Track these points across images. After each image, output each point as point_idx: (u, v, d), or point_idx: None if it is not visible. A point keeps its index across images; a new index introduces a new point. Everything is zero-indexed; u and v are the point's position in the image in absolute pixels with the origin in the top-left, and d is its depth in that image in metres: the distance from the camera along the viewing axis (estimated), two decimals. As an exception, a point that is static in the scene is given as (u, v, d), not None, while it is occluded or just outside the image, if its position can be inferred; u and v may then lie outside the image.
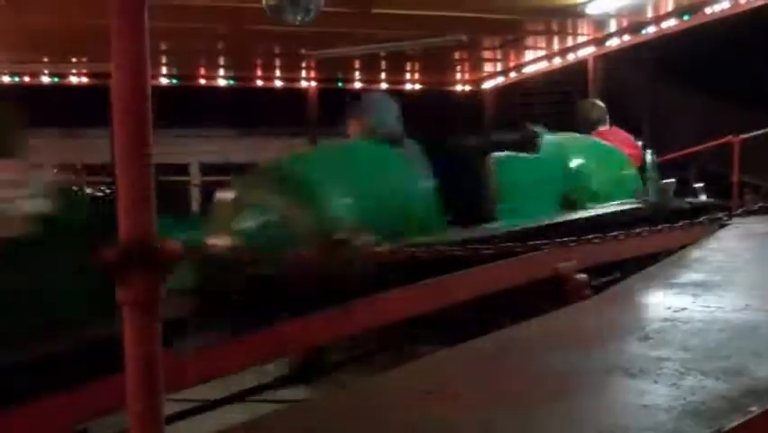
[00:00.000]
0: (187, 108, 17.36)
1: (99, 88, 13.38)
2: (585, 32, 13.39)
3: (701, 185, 9.63)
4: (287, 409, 3.65)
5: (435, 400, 2.66)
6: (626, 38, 12.99)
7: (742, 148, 10.45)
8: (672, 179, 8.86)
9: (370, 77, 16.93)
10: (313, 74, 16.58)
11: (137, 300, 1.71)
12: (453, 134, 8.49)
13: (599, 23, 12.78)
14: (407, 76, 17.29)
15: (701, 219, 6.14)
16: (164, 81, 15.62)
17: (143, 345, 1.73)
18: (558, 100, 17.33)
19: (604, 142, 8.69)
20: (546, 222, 6.68)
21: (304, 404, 3.75)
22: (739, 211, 6.76)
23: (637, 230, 5.76)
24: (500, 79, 16.94)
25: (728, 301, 3.79)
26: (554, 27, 13.27)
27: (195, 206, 17.92)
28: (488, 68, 16.76)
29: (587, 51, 13.78)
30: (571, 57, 14.32)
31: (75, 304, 3.93)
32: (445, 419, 2.47)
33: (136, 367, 1.74)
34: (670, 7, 11.73)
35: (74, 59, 14.55)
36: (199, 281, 4.74)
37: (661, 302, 3.95)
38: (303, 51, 13.83)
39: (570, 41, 13.99)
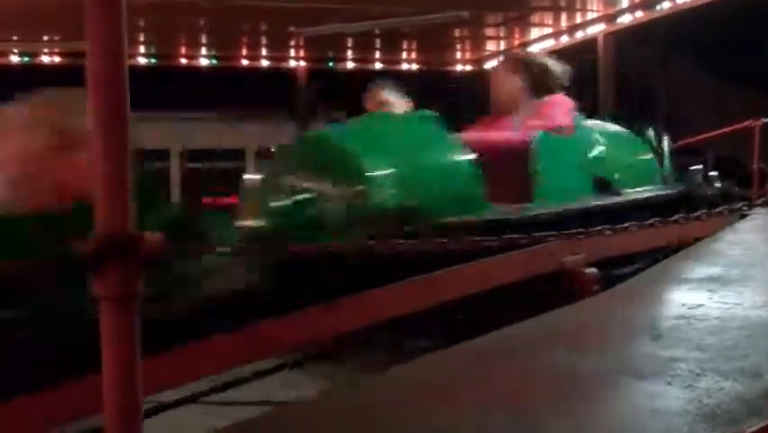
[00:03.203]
0: (166, 90, 17.33)
1: (73, 69, 13.36)
2: (595, 7, 13.39)
3: (715, 174, 9.57)
4: (278, 410, 3.67)
5: (431, 402, 2.67)
6: (639, 14, 12.99)
7: (763, 133, 10.43)
8: (699, 166, 8.80)
9: (364, 56, 16.92)
10: (302, 53, 16.57)
11: (114, 296, 1.71)
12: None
13: (611, -2, 12.80)
14: (404, 55, 17.29)
15: (719, 209, 6.14)
16: (142, 61, 15.60)
17: (121, 343, 1.73)
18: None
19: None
20: (588, 204, 6.97)
21: (295, 404, 3.76)
22: (760, 201, 6.75)
23: (650, 221, 5.77)
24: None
25: (747, 297, 3.80)
26: (562, 2, 13.28)
27: (176, 194, 17.90)
28: (490, 46, 16.76)
29: (597, 29, 13.78)
30: (579, 35, 14.32)
31: None
32: (441, 422, 2.48)
33: (113, 368, 1.74)
34: (686, -19, 11.76)
35: (46, 38, 14.52)
36: None
37: (674, 298, 3.96)
38: (291, 29, 13.82)
39: (578, 18, 13.99)
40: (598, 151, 8.21)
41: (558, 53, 12.80)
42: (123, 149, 1.72)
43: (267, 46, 16.23)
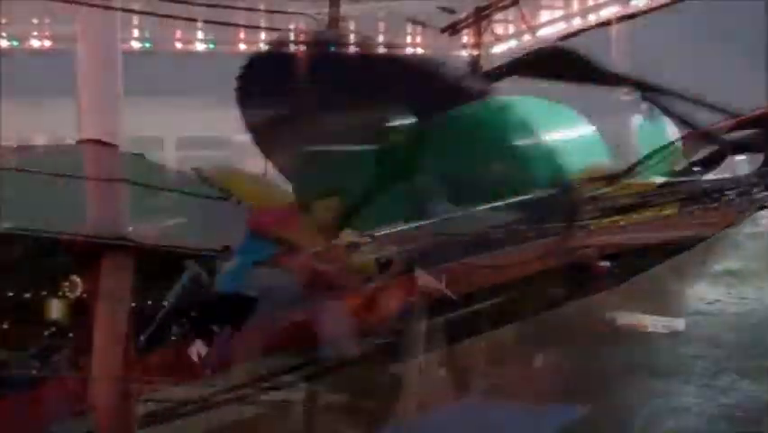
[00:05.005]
0: (161, 75, 17.27)
1: (64, 53, 13.34)
2: (609, -12, 13.36)
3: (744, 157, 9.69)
4: (280, 408, 3.67)
5: (434, 401, 2.67)
6: (654, -4, 12.95)
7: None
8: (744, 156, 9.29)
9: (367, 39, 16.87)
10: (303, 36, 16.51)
11: (104, 292, 1.69)
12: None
13: (624, -21, 12.77)
14: (408, 38, 17.23)
15: (739, 200, 6.13)
16: (135, 45, 15.54)
17: (113, 339, 1.72)
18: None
19: None
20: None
21: (295, 404, 3.77)
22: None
23: (666, 213, 5.76)
24: (512, 43, 16.87)
25: (767, 293, 3.80)
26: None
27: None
28: (498, 30, 16.69)
29: (610, 11, 13.73)
30: (592, 18, 14.26)
31: None
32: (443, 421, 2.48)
33: (104, 365, 1.73)
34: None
35: (36, 21, 14.49)
36: None
37: (692, 293, 3.96)
38: (291, 11, 13.77)
39: (591, 0, 13.94)
40: (671, 137, 8.86)
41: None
42: (115, 138, 1.70)
43: (266, 29, 16.17)
